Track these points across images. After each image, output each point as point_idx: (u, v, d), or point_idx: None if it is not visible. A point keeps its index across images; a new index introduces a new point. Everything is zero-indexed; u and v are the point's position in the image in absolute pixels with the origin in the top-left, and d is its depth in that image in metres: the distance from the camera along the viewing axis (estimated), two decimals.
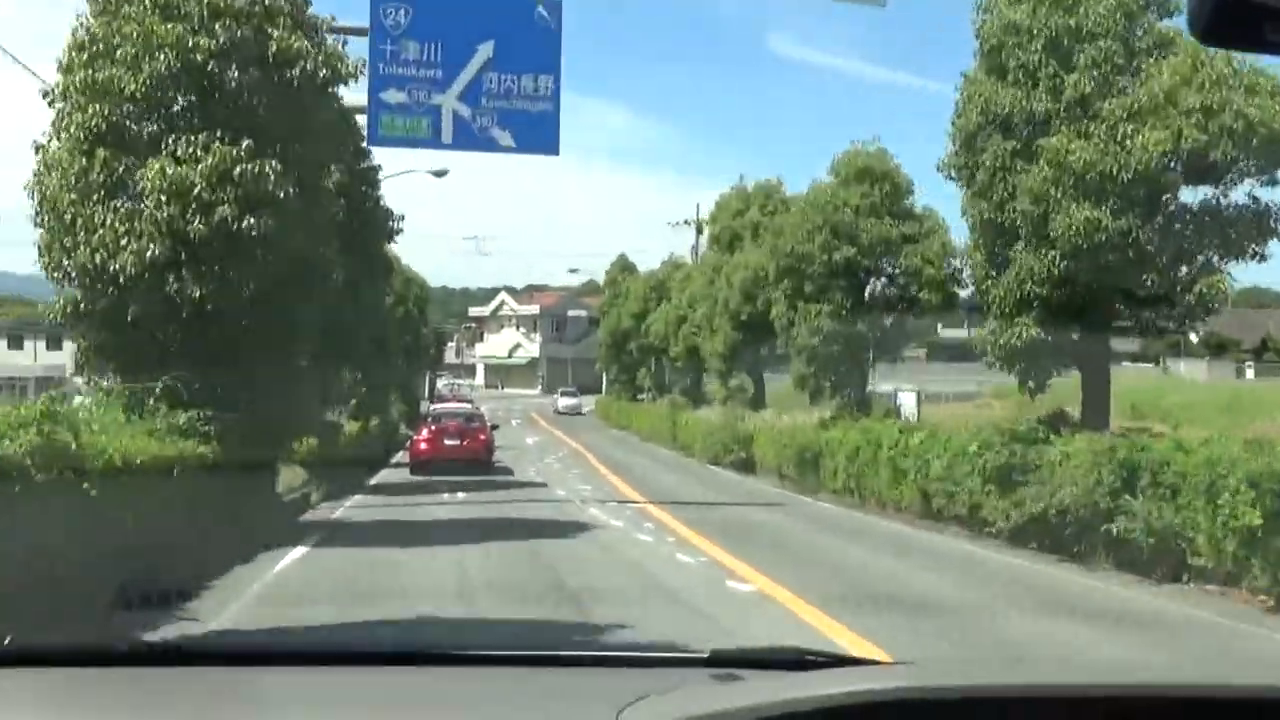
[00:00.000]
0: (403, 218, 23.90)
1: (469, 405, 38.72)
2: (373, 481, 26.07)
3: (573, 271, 73.33)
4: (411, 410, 50.90)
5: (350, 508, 20.35)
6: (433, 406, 42.43)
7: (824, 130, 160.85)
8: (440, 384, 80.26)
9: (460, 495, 22.44)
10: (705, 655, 2.38)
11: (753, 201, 32.56)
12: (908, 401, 27.65)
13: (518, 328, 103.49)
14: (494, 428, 30.58)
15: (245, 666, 2.40)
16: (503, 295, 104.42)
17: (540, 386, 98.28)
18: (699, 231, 60.83)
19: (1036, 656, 8.29)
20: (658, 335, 41.48)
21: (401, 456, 32.03)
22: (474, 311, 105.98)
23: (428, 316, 62.07)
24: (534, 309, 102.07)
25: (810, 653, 2.41)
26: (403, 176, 29.41)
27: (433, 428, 28.29)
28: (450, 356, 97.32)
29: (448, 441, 27.51)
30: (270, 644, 3.78)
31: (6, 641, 2.36)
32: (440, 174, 36.32)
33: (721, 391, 33.30)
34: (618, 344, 58.82)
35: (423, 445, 27.76)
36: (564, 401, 69.25)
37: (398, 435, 38.92)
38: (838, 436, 22.24)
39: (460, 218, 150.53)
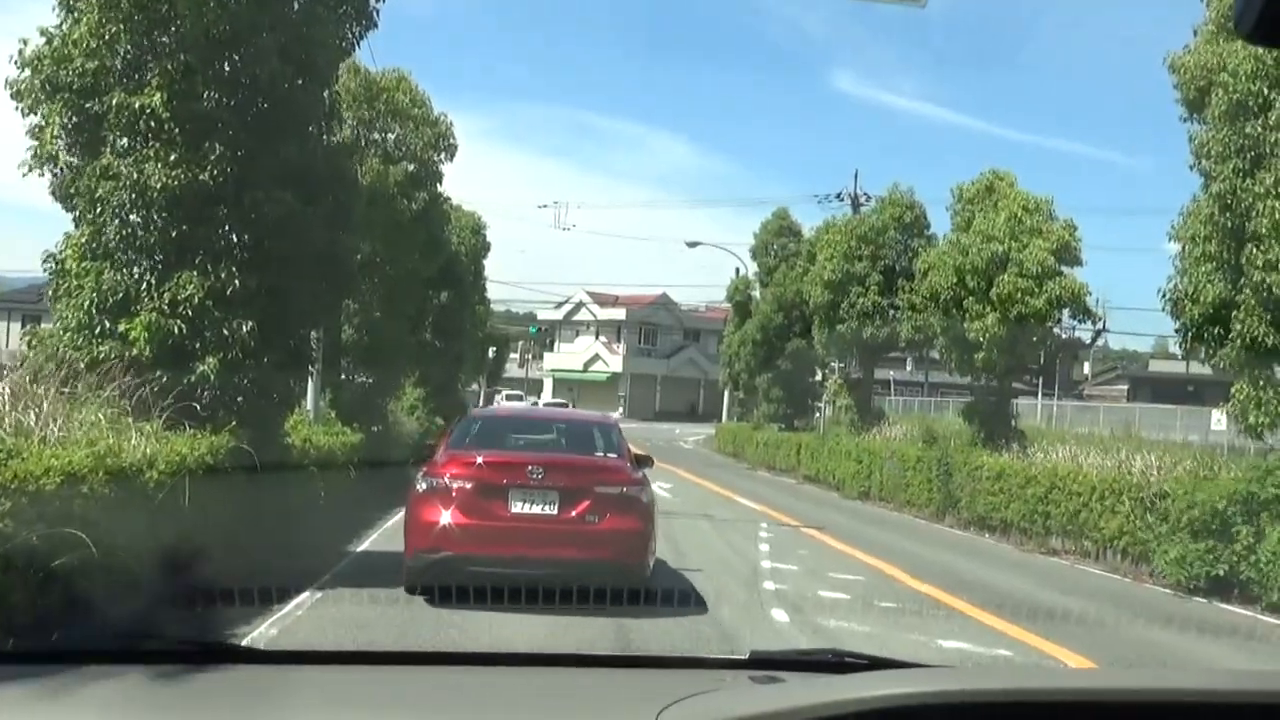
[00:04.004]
0: None
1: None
2: None
3: (692, 245, 52.04)
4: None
5: None
6: (478, 409, 21.67)
7: (890, 170, 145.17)
8: (498, 399, 62.29)
9: None
10: (745, 657, 2.34)
11: None
12: None
13: (597, 336, 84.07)
14: (643, 462, 10.82)
15: (285, 665, 2.33)
16: (580, 295, 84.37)
17: (621, 408, 78.53)
18: (855, 208, 41.55)
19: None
20: (935, 293, 20.54)
21: (384, 537, 11.99)
22: (544, 315, 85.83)
23: (485, 292, 42.19)
24: (619, 313, 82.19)
25: (848, 654, 2.32)
26: None
27: (474, 461, 9.82)
28: (513, 370, 78.51)
29: (519, 505, 9.50)
30: (312, 644, 4.07)
31: (9, 644, 2.45)
32: None
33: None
34: (772, 341, 38.17)
35: (441, 513, 9.46)
36: None
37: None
38: None
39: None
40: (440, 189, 18.75)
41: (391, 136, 17.55)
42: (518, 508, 9.39)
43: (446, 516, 9.33)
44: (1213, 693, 1.82)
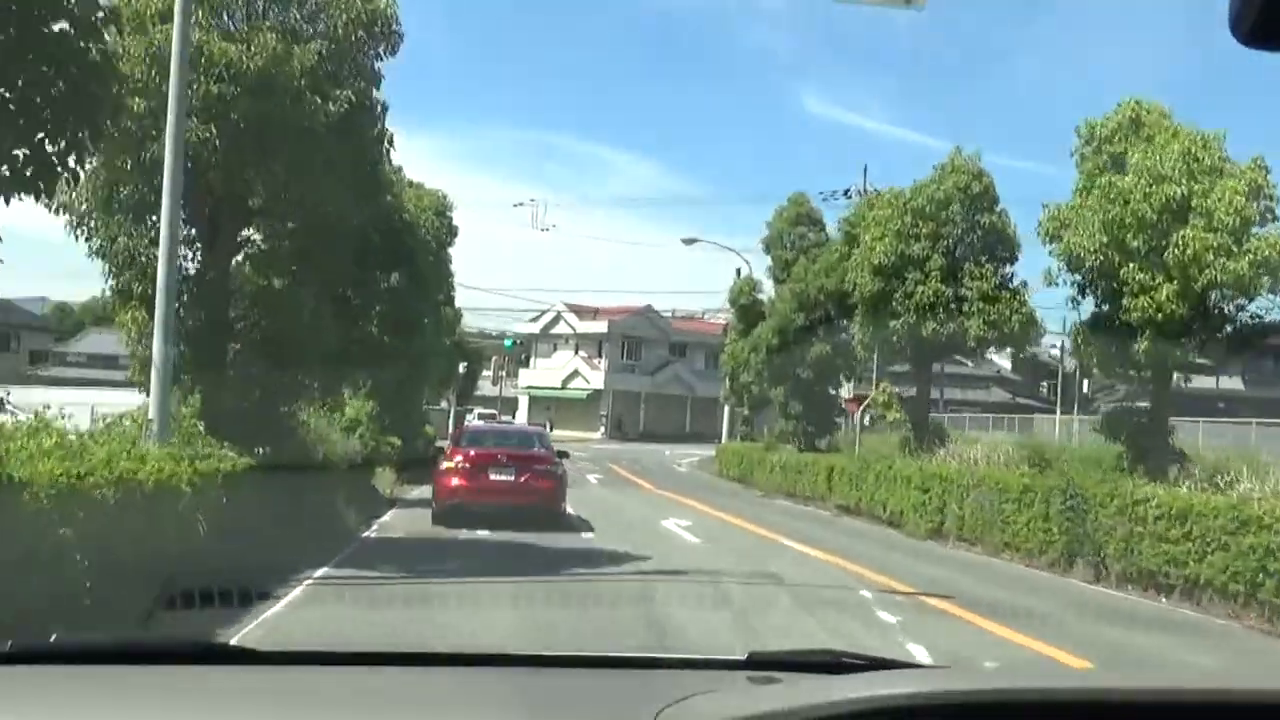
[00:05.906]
0: None
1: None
2: None
3: (688, 242, 46.31)
4: (413, 447, 26.35)
5: None
6: (470, 422, 30.32)
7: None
8: (469, 419, 56.32)
9: None
10: (743, 658, 2.34)
11: None
12: None
13: (576, 350, 78.09)
14: (563, 455, 19.89)
15: (285, 666, 2.30)
16: (559, 307, 78.37)
17: (603, 428, 72.74)
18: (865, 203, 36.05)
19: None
20: (1077, 261, 14.69)
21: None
22: (520, 329, 79.67)
23: (453, 291, 36.15)
24: (600, 326, 76.31)
25: (847, 655, 2.31)
26: None
27: (470, 452, 18.53)
28: (487, 388, 72.48)
29: (495, 475, 18.25)
30: (304, 645, 3.86)
31: (9, 645, 2.21)
32: None
33: None
34: (790, 347, 32.28)
35: (454, 480, 18.15)
36: None
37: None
38: None
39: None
40: (377, 94, 12.72)
41: (298, 11, 11.65)
42: (494, 476, 18.20)
43: (456, 480, 18.05)
44: (1212, 692, 1.76)
